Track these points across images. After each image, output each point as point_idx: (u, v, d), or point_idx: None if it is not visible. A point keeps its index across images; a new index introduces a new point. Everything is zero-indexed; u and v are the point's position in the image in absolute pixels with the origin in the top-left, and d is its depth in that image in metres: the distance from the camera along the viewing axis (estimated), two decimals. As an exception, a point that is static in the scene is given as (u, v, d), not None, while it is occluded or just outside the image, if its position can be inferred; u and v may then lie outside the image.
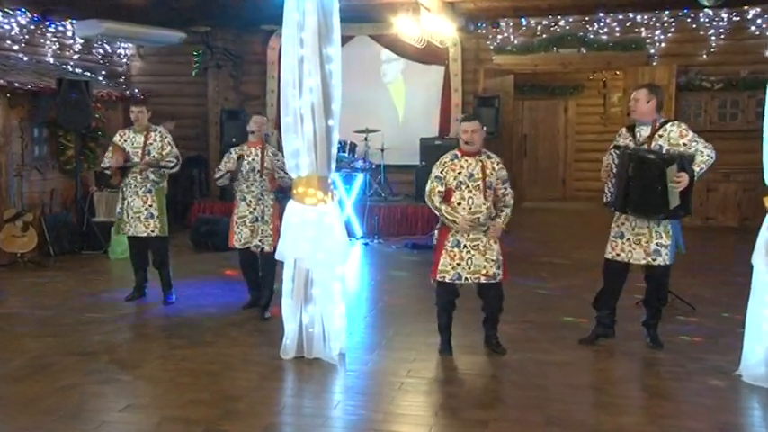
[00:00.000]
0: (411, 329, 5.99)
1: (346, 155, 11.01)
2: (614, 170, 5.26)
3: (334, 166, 5.25)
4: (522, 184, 14.65)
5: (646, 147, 5.16)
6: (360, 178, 10.85)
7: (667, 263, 5.23)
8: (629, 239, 5.28)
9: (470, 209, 5.06)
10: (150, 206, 6.73)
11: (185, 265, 8.49)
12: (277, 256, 5.39)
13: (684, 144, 5.10)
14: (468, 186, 5.08)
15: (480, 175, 5.08)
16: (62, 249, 9.31)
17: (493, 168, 5.12)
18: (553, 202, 14.59)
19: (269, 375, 4.95)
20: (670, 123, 5.23)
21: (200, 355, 5.33)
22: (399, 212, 11.01)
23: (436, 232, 5.31)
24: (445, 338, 5.39)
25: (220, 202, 11.30)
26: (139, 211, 6.72)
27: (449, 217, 5.10)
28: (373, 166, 11.48)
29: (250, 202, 6.33)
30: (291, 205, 5.23)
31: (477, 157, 5.13)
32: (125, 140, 6.81)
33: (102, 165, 7.04)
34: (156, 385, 4.75)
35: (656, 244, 5.20)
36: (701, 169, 5.09)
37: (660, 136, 5.17)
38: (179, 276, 7.16)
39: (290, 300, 5.21)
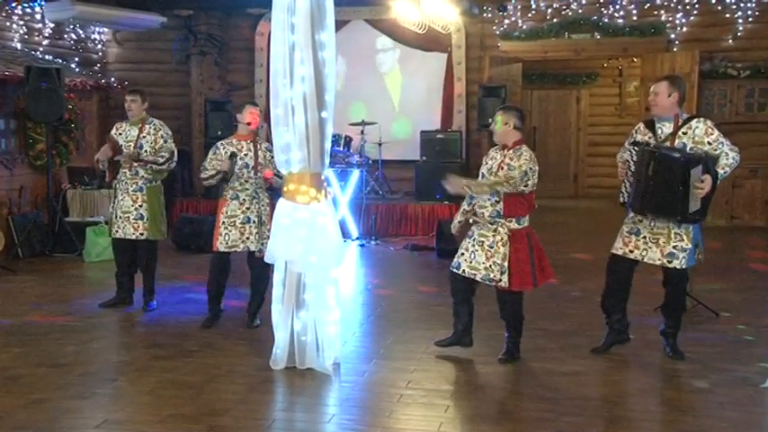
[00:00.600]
0: (411, 337, 6.01)
1: (341, 149, 11.03)
2: (632, 168, 5.27)
3: (327, 161, 5.27)
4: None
5: (668, 144, 5.16)
6: (355, 174, 10.86)
7: (684, 266, 5.23)
8: (645, 237, 5.28)
9: (479, 202, 5.29)
10: (140, 206, 6.68)
11: (167, 269, 8.48)
12: (266, 259, 5.40)
13: (709, 143, 5.09)
14: (485, 179, 5.30)
15: (495, 170, 5.25)
16: (32, 251, 9.31)
17: (504, 163, 5.21)
18: (564, 200, 14.62)
19: (257, 387, 4.96)
20: (695, 120, 5.21)
21: (183, 366, 5.34)
22: (398, 212, 11.04)
23: None
24: (458, 326, 5.52)
25: (205, 201, 11.33)
26: (128, 211, 6.68)
27: (457, 217, 5.56)
28: (370, 162, 11.51)
29: (243, 201, 6.20)
30: (282, 204, 5.24)
31: (503, 152, 5.30)
32: (120, 133, 6.79)
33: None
34: (135, 399, 4.76)
35: (675, 247, 5.19)
36: (724, 172, 5.09)
37: (684, 133, 5.15)
38: (160, 280, 7.16)
39: (281, 306, 5.23)
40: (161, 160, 6.67)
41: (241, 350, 5.70)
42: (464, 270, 5.32)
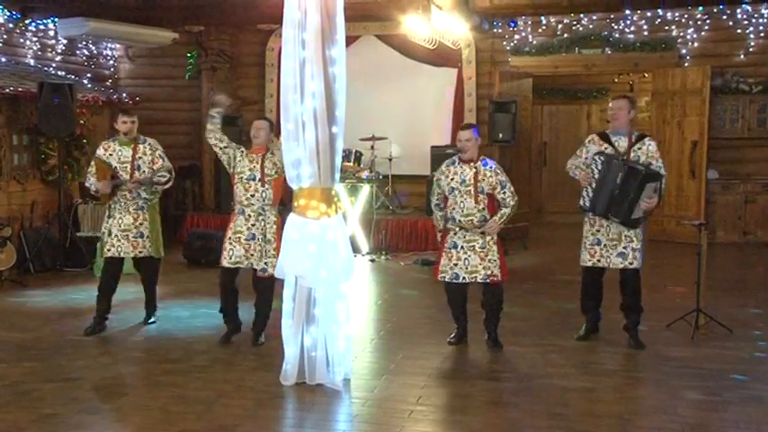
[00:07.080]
0: (421, 353, 5.99)
1: (351, 164, 11.05)
2: (596, 176, 5.88)
3: (338, 176, 5.29)
4: (541, 196, 14.66)
5: (626, 157, 5.80)
6: (366, 189, 10.88)
7: (638, 267, 5.89)
8: (605, 245, 5.93)
9: (462, 212, 5.86)
10: (141, 224, 6.58)
11: (177, 284, 8.52)
12: (276, 274, 5.41)
13: (657, 160, 5.81)
14: (459, 191, 5.87)
15: (472, 181, 5.85)
16: (43, 266, 9.35)
17: (485, 175, 5.88)
18: (576, 216, 14.50)
19: (267, 403, 4.96)
20: (647, 138, 5.91)
21: (193, 382, 5.34)
22: (409, 226, 11.03)
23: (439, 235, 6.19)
24: (461, 328, 6.13)
25: (216, 216, 11.36)
26: (128, 229, 6.54)
27: (439, 222, 6.09)
28: (380, 177, 11.53)
29: (249, 216, 6.08)
30: (292, 219, 5.26)
31: (471, 164, 5.91)
32: (110, 154, 6.58)
33: (87, 184, 6.75)
34: (145, 414, 4.76)
35: (630, 248, 5.87)
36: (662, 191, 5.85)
37: (639, 148, 5.83)
38: (170, 295, 7.18)
39: (291, 321, 5.23)
40: (163, 180, 6.61)
41: (251, 365, 5.70)
42: (464, 278, 5.87)
